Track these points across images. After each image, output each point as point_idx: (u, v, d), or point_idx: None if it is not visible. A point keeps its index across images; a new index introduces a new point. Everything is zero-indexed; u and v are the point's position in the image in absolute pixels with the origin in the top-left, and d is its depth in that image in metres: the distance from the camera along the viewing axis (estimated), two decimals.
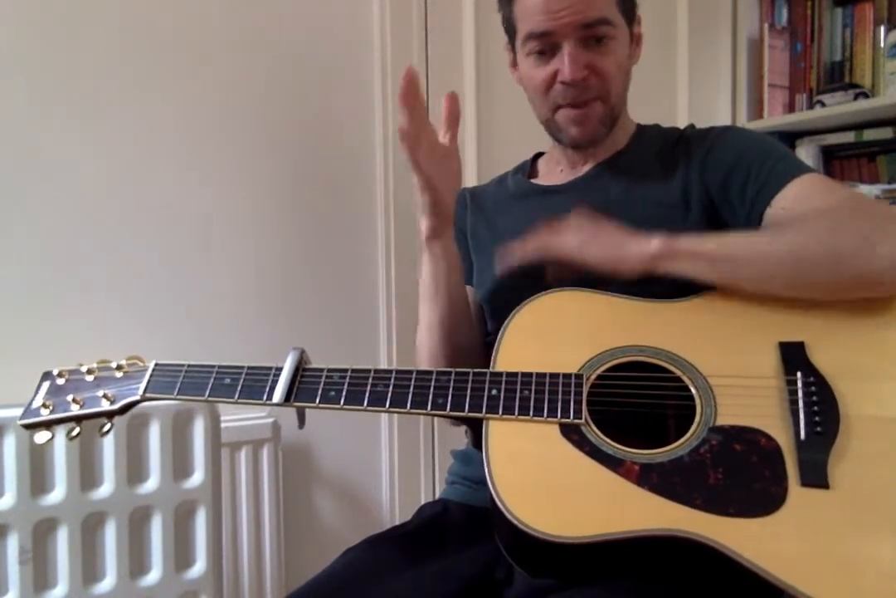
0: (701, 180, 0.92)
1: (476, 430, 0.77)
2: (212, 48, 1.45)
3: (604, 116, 0.96)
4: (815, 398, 0.71)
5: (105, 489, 1.22)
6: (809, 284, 0.78)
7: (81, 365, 0.89)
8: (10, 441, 1.16)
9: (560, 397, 0.75)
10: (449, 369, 0.80)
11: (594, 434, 0.73)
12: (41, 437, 0.86)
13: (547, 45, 0.92)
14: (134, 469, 1.24)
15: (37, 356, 1.26)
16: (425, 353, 0.99)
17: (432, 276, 0.95)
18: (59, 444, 1.19)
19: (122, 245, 1.37)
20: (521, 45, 0.96)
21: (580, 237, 0.85)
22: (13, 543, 1.17)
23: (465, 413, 0.76)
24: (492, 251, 1.05)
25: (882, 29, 1.75)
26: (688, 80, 1.97)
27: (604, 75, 0.93)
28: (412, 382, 0.79)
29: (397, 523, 1.07)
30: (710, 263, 0.80)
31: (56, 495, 1.19)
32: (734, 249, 0.80)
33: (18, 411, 0.88)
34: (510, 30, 0.99)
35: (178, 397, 0.84)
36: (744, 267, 0.79)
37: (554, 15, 0.89)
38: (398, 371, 0.80)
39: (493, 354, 0.81)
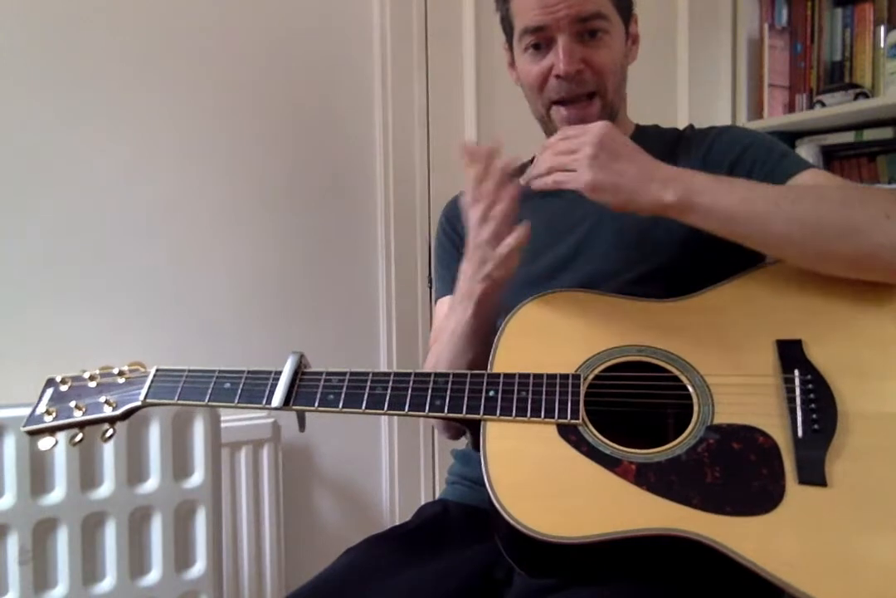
0: None
1: (475, 432, 0.76)
2: (212, 48, 1.45)
3: (602, 113, 0.95)
4: (812, 396, 0.71)
5: (105, 489, 1.22)
6: (822, 254, 0.76)
7: (84, 371, 0.90)
8: (10, 441, 1.16)
9: (557, 397, 0.75)
10: (447, 371, 0.80)
11: (591, 434, 0.73)
12: (45, 443, 0.87)
13: (542, 39, 0.93)
14: (134, 469, 1.24)
15: (37, 357, 1.27)
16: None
17: (463, 326, 0.88)
18: (60, 444, 1.19)
19: (121, 246, 1.37)
20: (517, 41, 0.96)
21: (593, 175, 0.78)
22: (13, 543, 1.17)
23: (463, 415, 0.76)
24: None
25: (882, 29, 1.74)
26: (688, 80, 1.97)
27: (598, 69, 0.93)
28: (410, 384, 0.79)
29: (397, 523, 1.07)
30: (721, 222, 0.78)
31: (56, 495, 1.19)
32: (752, 209, 0.76)
33: (18, 411, 0.88)
34: (507, 28, 0.99)
35: (179, 402, 0.84)
36: (756, 231, 0.77)
37: (549, 9, 0.90)
38: (396, 374, 0.80)
39: (491, 354, 0.81)
